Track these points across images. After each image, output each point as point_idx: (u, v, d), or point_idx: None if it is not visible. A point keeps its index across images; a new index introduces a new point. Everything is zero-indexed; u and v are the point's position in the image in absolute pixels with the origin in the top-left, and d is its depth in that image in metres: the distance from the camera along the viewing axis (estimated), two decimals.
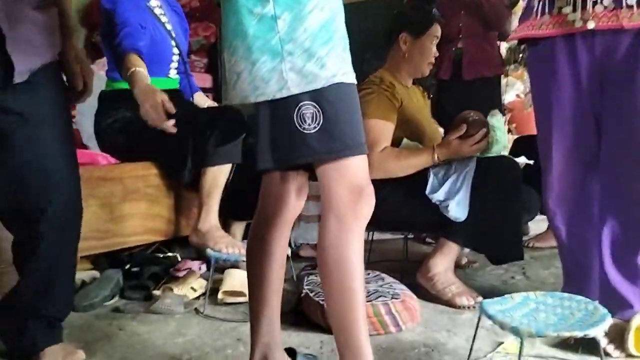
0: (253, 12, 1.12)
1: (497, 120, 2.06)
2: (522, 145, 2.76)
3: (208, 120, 2.13)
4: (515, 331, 1.24)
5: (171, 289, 2.08)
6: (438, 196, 1.97)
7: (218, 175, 2.11)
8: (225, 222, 2.35)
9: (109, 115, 2.27)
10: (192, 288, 2.11)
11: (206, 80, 4.05)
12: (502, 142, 2.06)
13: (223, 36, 1.21)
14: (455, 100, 3.07)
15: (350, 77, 1.15)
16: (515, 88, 4.84)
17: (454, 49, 3.12)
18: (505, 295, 1.46)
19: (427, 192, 1.99)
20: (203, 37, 4.12)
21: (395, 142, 2.13)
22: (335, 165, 1.14)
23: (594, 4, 1.56)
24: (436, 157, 2.02)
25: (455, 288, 1.99)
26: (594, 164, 1.69)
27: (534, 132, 1.86)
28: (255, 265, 1.34)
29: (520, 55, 3.75)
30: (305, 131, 1.11)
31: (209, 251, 2.07)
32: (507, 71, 4.13)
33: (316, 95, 1.11)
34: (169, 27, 2.31)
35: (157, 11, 2.29)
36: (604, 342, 1.51)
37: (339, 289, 1.15)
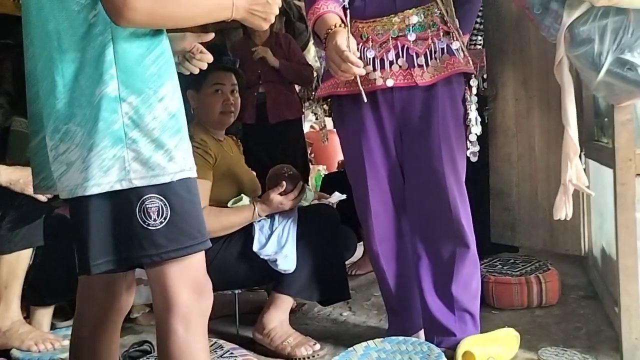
0: (94, 92, 0.98)
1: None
2: (331, 182, 2.90)
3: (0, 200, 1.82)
4: None
5: None
6: (266, 252, 1.96)
7: (16, 263, 1.82)
8: (27, 310, 2.04)
9: None
10: None
11: None
12: (309, 194, 2.19)
13: (44, 116, 1.03)
14: (262, 143, 3.13)
15: (194, 172, 1.08)
16: (308, 119, 5.18)
17: (255, 93, 3.18)
18: (349, 350, 1.51)
19: (254, 249, 1.97)
20: None
21: (225, 201, 2.07)
22: (178, 263, 1.05)
23: (391, 64, 1.72)
24: (257, 213, 2.01)
25: (293, 340, 2.00)
26: (404, 207, 1.85)
27: (334, 165, 1.97)
28: None
29: (313, 93, 3.96)
30: (150, 227, 1.01)
31: (14, 352, 1.77)
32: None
33: (163, 189, 1.02)
34: None
35: None
36: None
37: None
